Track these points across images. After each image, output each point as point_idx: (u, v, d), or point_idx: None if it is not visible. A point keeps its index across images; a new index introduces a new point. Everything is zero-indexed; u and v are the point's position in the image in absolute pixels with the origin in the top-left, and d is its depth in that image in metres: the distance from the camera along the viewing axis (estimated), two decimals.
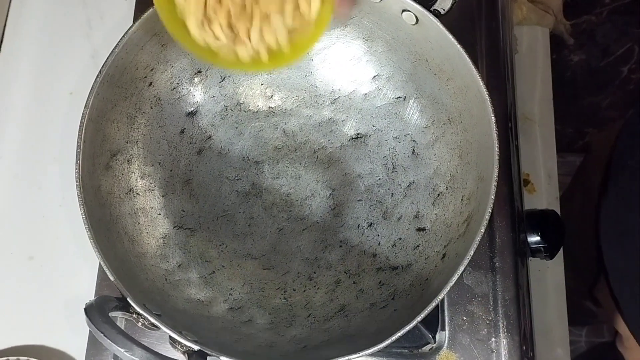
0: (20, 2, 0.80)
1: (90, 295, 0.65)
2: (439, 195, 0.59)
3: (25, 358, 0.64)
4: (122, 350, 0.43)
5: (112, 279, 0.49)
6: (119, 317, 0.49)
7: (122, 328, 0.49)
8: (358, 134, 0.65)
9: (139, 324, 0.49)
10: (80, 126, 0.52)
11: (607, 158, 0.72)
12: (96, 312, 0.45)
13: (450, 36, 0.53)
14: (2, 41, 0.79)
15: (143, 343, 0.45)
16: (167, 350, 0.48)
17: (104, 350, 0.62)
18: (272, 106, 0.65)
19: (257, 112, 0.65)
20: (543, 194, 0.74)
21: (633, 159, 0.65)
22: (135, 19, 0.55)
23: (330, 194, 0.63)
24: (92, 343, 0.63)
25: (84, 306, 0.46)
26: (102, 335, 0.43)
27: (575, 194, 0.92)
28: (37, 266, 0.70)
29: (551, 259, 0.65)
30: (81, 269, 0.69)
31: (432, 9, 0.54)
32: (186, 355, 0.48)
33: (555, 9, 0.80)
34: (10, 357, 0.65)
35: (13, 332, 0.68)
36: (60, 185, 0.73)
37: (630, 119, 0.70)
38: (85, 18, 0.79)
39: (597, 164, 0.75)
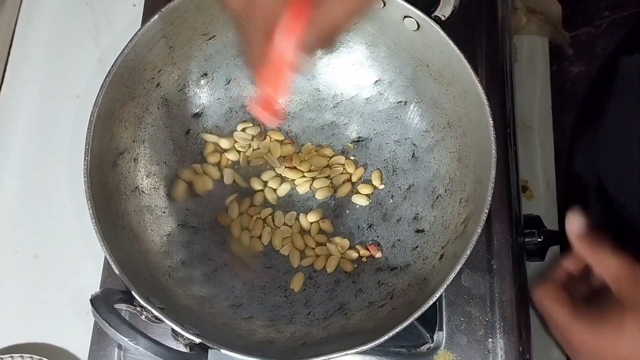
0: (29, 7, 0.82)
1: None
2: (437, 197, 0.60)
3: (29, 356, 0.65)
4: (126, 339, 0.44)
5: (117, 272, 0.50)
6: (123, 310, 0.49)
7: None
8: (359, 137, 0.66)
9: (143, 317, 0.50)
10: (89, 124, 0.53)
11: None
12: (102, 302, 0.46)
13: (451, 42, 0.54)
14: (11, 45, 0.80)
15: None
16: (169, 344, 0.49)
17: (107, 346, 0.63)
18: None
19: None
20: (541, 200, 0.75)
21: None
22: (144, 23, 0.57)
23: (331, 196, 0.64)
24: (96, 339, 0.63)
25: (90, 297, 0.46)
26: (107, 324, 0.44)
27: None
28: (42, 265, 0.71)
29: (542, 260, 0.66)
30: (85, 269, 0.70)
31: (433, 15, 0.56)
32: (188, 347, 0.49)
33: (555, 19, 0.81)
34: (14, 355, 0.65)
35: (17, 330, 0.69)
36: (66, 186, 0.74)
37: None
38: (93, 23, 0.81)
39: None
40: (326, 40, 0.41)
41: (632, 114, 0.62)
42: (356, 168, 0.65)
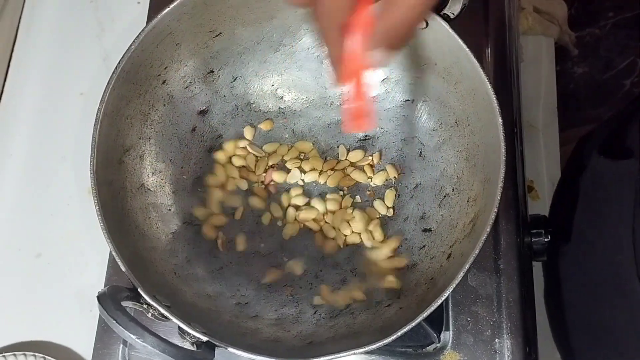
0: (32, 5, 0.81)
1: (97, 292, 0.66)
2: (445, 196, 0.60)
3: (32, 354, 0.65)
4: (133, 337, 0.44)
5: (123, 269, 0.49)
6: (129, 308, 0.49)
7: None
8: (366, 135, 0.65)
9: (149, 315, 0.49)
10: (95, 121, 0.53)
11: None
12: (108, 300, 0.45)
13: (459, 40, 0.54)
14: (14, 43, 0.80)
15: None
16: (175, 342, 0.49)
17: (111, 344, 0.63)
18: (282, 107, 0.66)
19: (267, 112, 0.66)
20: (547, 200, 0.75)
21: None
22: (149, 21, 0.56)
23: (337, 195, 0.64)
24: (100, 337, 0.63)
25: (97, 294, 0.46)
26: (114, 322, 0.44)
27: None
28: (45, 263, 0.71)
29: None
30: (88, 267, 0.70)
31: (441, 13, 0.55)
32: (195, 345, 0.48)
33: (560, 19, 0.81)
34: (17, 353, 0.65)
35: (20, 328, 0.69)
36: (69, 184, 0.74)
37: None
38: (97, 21, 0.81)
39: None
40: (395, 39, 0.38)
41: None
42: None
